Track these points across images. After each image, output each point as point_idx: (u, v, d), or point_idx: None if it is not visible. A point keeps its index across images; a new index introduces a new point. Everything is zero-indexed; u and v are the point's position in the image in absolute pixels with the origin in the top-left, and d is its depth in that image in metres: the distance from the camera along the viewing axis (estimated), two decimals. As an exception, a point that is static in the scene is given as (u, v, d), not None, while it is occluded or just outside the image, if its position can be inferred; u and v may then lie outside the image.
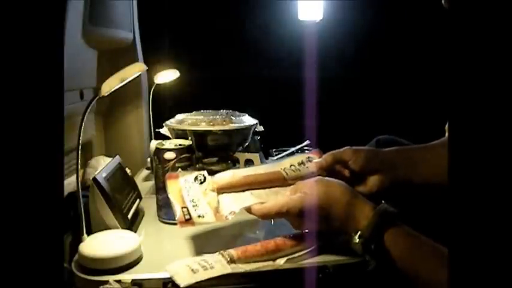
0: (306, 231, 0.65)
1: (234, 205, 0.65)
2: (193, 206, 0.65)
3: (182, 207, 0.65)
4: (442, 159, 0.71)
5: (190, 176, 0.71)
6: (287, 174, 0.73)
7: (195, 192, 0.68)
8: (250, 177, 0.70)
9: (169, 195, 0.68)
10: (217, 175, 0.71)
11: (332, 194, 0.61)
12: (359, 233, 0.58)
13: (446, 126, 0.86)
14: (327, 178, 0.66)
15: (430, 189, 0.74)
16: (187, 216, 0.63)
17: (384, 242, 0.57)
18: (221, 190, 0.68)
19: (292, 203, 0.62)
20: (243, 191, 0.69)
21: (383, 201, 0.61)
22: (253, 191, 0.69)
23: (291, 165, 0.74)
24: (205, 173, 0.72)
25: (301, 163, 0.75)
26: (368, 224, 0.58)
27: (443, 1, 0.65)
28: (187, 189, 0.69)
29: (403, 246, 0.57)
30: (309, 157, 0.76)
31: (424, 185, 0.73)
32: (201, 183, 0.69)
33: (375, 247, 0.57)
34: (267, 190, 0.70)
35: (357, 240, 0.58)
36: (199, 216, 0.63)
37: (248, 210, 0.65)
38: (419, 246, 0.57)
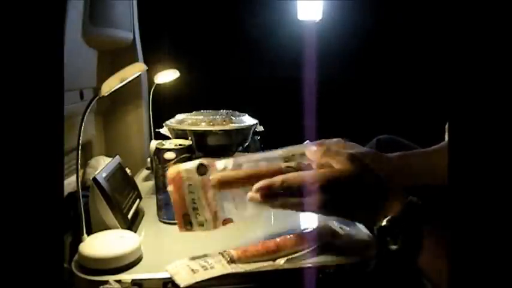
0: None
1: (235, 215, 0.64)
2: (194, 209, 0.63)
3: (184, 215, 0.63)
4: (440, 164, 0.71)
5: (192, 165, 0.66)
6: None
7: (196, 189, 0.65)
8: (252, 175, 0.64)
9: (172, 201, 0.66)
10: (219, 167, 0.65)
11: (365, 181, 0.54)
12: (389, 217, 0.52)
13: (446, 125, 0.86)
14: (363, 153, 0.58)
15: (426, 190, 0.74)
16: (188, 227, 0.63)
17: (415, 234, 0.51)
18: (222, 186, 0.65)
19: (317, 176, 0.54)
20: (243, 184, 0.64)
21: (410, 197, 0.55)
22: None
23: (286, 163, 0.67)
24: (205, 162, 0.66)
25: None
26: (401, 210, 0.52)
27: None
28: (189, 186, 0.65)
29: (433, 247, 0.50)
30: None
31: (420, 187, 0.73)
32: (202, 174, 0.66)
33: (404, 236, 0.51)
34: None
35: (384, 223, 0.52)
36: (200, 225, 0.63)
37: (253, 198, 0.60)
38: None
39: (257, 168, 0.66)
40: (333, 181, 0.54)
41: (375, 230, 0.54)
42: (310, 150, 0.60)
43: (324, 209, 0.56)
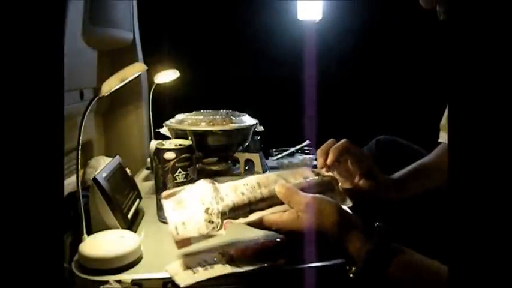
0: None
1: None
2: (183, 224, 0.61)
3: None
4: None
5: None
6: None
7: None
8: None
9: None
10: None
11: (323, 221, 0.58)
12: (353, 269, 0.56)
13: (441, 123, 0.86)
14: (321, 200, 0.60)
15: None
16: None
17: (382, 276, 0.54)
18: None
19: (281, 223, 0.59)
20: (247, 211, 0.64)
21: (377, 223, 0.58)
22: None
23: None
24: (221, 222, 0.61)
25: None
26: (360, 262, 0.55)
27: (438, 14, 0.65)
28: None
29: (403, 278, 0.54)
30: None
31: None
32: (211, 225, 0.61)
33: (372, 281, 0.55)
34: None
35: (352, 276, 0.57)
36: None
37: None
38: (421, 275, 0.55)
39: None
40: (286, 227, 0.59)
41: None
42: (279, 189, 0.63)
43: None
